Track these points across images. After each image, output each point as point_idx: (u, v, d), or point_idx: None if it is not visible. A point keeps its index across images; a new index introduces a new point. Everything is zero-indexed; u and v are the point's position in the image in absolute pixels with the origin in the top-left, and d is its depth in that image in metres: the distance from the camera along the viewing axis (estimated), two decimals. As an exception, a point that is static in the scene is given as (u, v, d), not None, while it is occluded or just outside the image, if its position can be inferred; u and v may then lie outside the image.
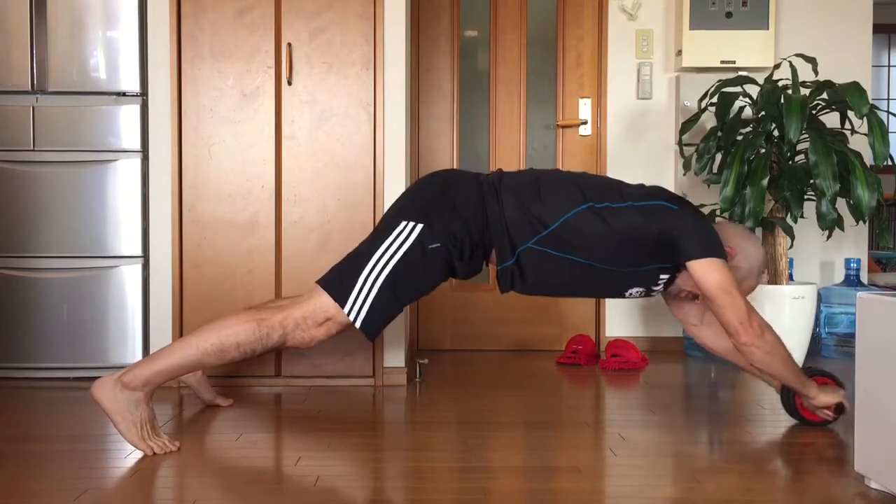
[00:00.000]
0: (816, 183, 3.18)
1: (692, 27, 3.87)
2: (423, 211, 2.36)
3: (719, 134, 3.43)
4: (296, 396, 2.93)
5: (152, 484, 1.99)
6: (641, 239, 2.36)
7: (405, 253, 2.33)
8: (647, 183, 3.99)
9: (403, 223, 2.35)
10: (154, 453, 2.18)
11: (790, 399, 2.53)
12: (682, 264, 2.36)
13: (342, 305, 2.32)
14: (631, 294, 2.49)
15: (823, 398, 2.44)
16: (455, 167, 4.07)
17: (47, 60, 3.12)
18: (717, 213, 3.48)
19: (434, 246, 2.33)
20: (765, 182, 3.25)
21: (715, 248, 2.34)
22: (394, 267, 2.33)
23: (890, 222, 6.40)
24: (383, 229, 2.38)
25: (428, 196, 2.41)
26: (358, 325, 2.34)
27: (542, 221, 2.35)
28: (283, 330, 2.31)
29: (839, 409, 2.48)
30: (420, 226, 2.34)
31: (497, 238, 2.37)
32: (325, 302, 2.34)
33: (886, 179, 4.48)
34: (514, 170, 2.51)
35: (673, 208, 2.38)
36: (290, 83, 3.07)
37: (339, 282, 2.35)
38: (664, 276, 2.45)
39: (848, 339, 3.75)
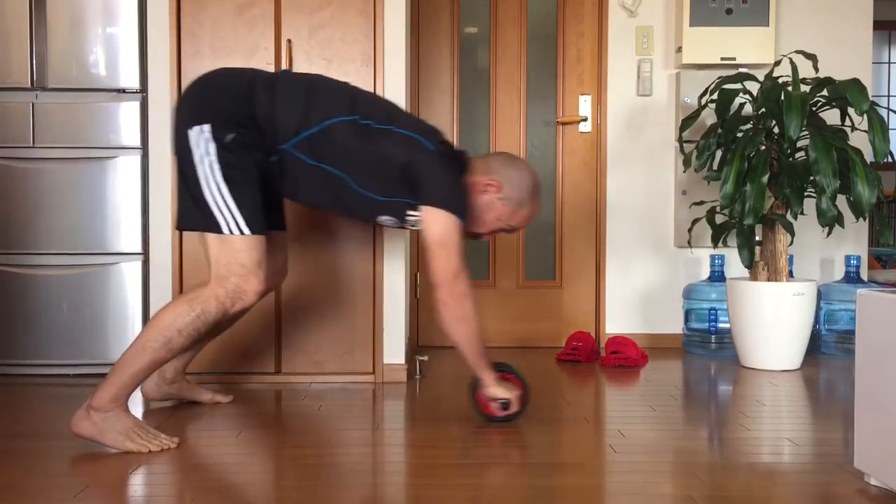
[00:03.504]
0: (816, 180, 3.18)
1: (692, 24, 3.87)
2: (200, 112, 2.29)
3: (719, 131, 3.43)
4: (296, 393, 2.93)
5: (152, 480, 1.99)
6: (389, 167, 2.35)
7: (216, 156, 2.25)
8: (647, 179, 4.01)
9: (190, 132, 2.27)
10: (150, 451, 2.18)
11: (472, 389, 2.51)
12: (419, 203, 2.36)
13: (220, 232, 2.26)
14: (382, 222, 2.48)
15: (493, 390, 2.44)
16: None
17: (47, 57, 3.12)
18: (718, 209, 3.48)
19: (230, 137, 2.27)
20: (765, 179, 3.25)
21: (451, 202, 2.33)
22: (221, 170, 2.25)
23: (890, 219, 6.40)
24: (182, 150, 2.29)
25: (198, 97, 2.34)
26: (250, 232, 2.27)
27: (306, 122, 2.32)
28: (216, 300, 2.26)
29: (504, 405, 2.45)
30: (206, 125, 2.26)
31: (266, 132, 2.32)
32: (218, 247, 2.27)
33: (886, 176, 4.47)
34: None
35: (428, 148, 2.37)
36: (289, 80, 3.07)
37: (197, 216, 2.29)
38: (413, 213, 2.42)
39: (848, 336, 3.75)
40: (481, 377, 2.44)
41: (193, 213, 2.30)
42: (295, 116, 2.32)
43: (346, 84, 2.54)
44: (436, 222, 2.33)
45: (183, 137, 2.29)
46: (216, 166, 2.26)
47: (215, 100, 2.32)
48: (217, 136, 2.26)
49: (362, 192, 2.39)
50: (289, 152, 2.33)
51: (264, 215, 2.34)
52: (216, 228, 2.27)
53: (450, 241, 2.33)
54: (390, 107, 2.50)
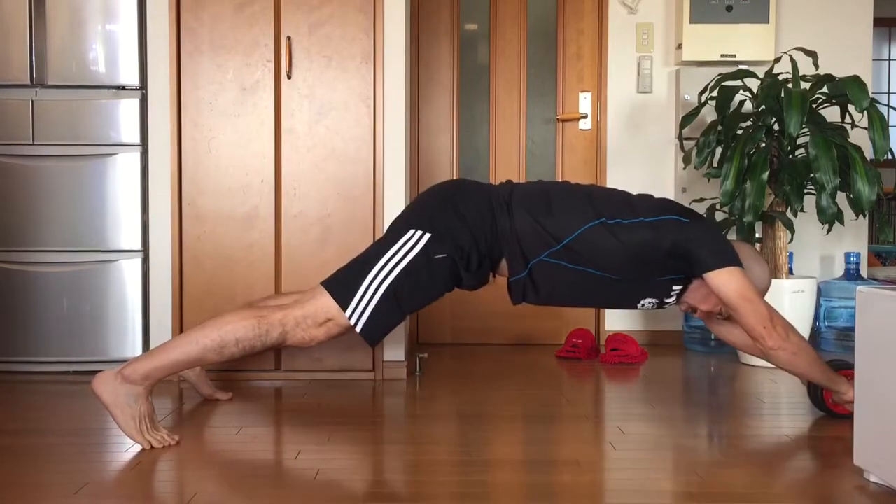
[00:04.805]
0: (816, 177, 3.18)
1: (692, 20, 3.86)
2: (431, 221, 2.36)
3: (719, 128, 3.43)
4: (296, 390, 2.93)
5: (152, 477, 1.99)
6: (653, 253, 2.36)
7: (410, 261, 2.32)
8: (647, 177, 4.01)
9: (411, 231, 2.35)
10: (152, 447, 2.19)
11: (818, 394, 2.53)
12: (697, 276, 2.37)
13: (344, 309, 2.31)
14: (644, 305, 2.50)
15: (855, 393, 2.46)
16: (456, 163, 4.06)
17: (46, 54, 3.11)
18: (717, 206, 3.48)
19: (440, 256, 2.33)
20: (765, 176, 3.24)
21: (729, 256, 2.36)
22: (398, 274, 2.32)
23: (890, 216, 6.40)
24: (391, 236, 2.38)
25: (438, 205, 2.40)
26: (359, 329, 2.33)
27: (555, 236, 2.35)
28: (283, 328, 2.30)
29: None
30: (427, 235, 2.33)
31: (508, 252, 2.37)
32: (326, 303, 2.33)
33: (886, 173, 4.48)
34: (524, 181, 2.52)
35: (684, 221, 2.39)
36: (289, 77, 3.07)
37: (342, 285, 2.34)
38: (677, 288, 2.46)
39: (847, 333, 3.75)
40: (837, 389, 2.45)
41: (338, 280, 2.36)
42: (543, 232, 2.35)
43: (572, 185, 2.53)
44: (727, 282, 2.33)
45: (400, 229, 2.36)
46: (399, 269, 2.31)
47: (451, 218, 2.36)
48: (428, 249, 2.31)
49: (626, 283, 2.41)
50: (544, 262, 2.36)
51: (386, 333, 2.40)
52: (344, 305, 2.31)
53: (749, 290, 2.33)
54: (624, 196, 2.49)
